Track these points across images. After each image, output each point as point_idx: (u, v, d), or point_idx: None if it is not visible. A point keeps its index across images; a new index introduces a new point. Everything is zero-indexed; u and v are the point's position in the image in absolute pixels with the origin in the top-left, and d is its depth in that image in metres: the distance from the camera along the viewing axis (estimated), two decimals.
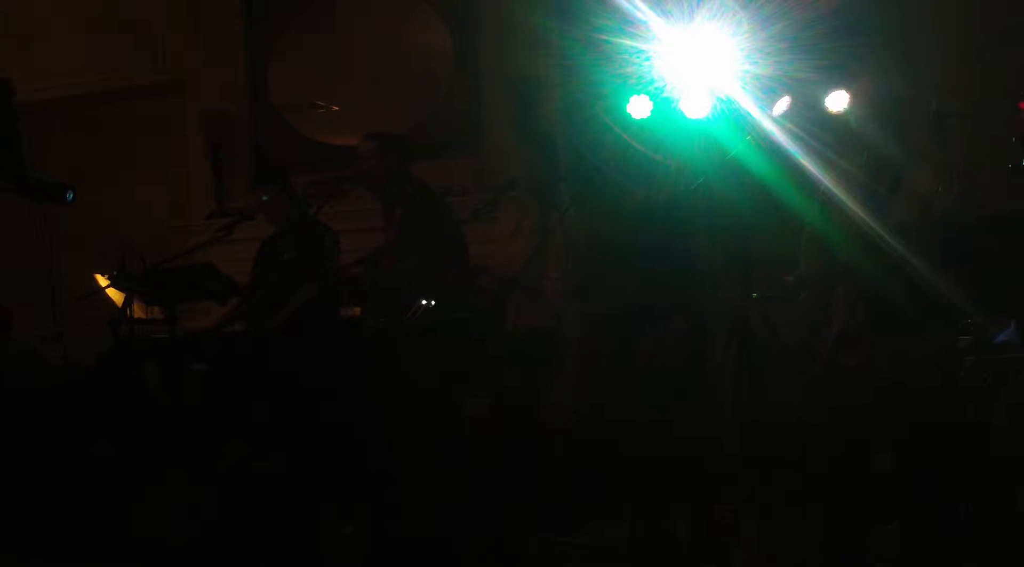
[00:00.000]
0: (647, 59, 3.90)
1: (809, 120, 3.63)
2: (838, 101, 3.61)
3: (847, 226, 3.36)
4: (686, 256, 4.00)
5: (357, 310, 4.94)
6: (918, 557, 3.32)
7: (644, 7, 3.84)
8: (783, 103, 3.80)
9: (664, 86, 3.95)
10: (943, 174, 3.37)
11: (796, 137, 3.57)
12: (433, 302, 4.23)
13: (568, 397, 4.52)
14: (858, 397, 3.34)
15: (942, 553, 3.31)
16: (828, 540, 3.42)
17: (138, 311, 4.81)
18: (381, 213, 4.89)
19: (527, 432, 4.49)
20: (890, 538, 3.48)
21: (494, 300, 4.37)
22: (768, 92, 3.77)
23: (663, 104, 3.99)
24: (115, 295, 4.87)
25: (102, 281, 4.87)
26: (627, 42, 3.89)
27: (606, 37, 3.98)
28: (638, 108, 4.07)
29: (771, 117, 3.75)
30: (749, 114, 3.78)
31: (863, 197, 3.34)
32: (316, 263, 4.76)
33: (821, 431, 3.52)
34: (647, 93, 4.02)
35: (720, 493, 3.94)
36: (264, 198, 5.02)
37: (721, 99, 3.86)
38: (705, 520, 3.89)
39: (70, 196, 4.25)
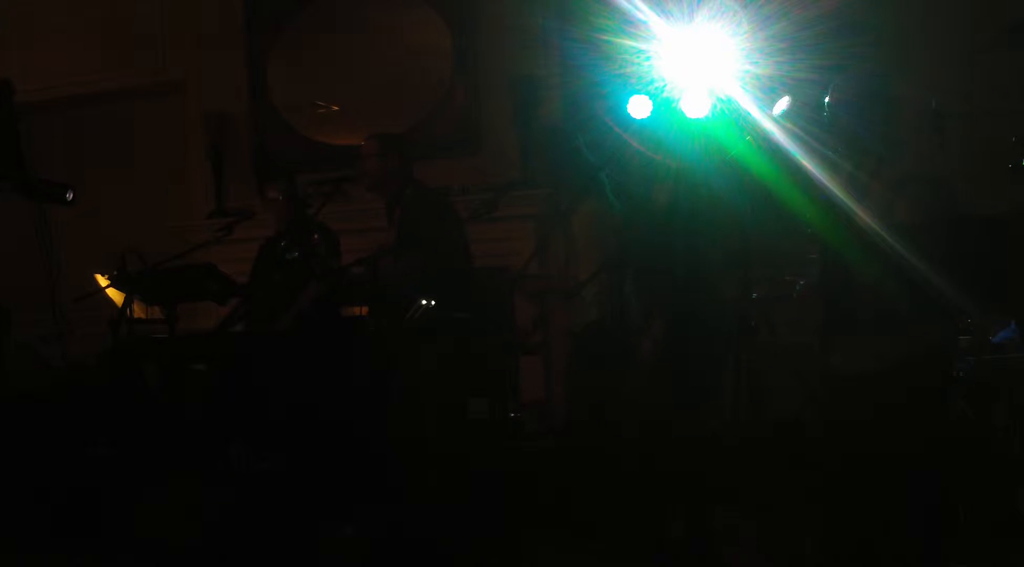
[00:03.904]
0: (647, 59, 3.90)
1: (809, 120, 3.63)
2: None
3: (827, 212, 3.32)
4: (686, 256, 3.99)
5: (358, 310, 4.95)
6: (915, 557, 3.31)
7: (644, 7, 3.84)
8: (783, 103, 3.80)
9: (664, 86, 3.95)
10: (942, 173, 3.37)
11: (796, 137, 3.57)
12: (433, 302, 4.23)
13: (570, 397, 4.52)
14: (848, 398, 3.31)
15: (939, 553, 3.31)
16: (827, 540, 3.42)
17: (138, 311, 4.80)
18: (384, 213, 4.90)
19: (526, 432, 4.49)
20: (885, 538, 3.48)
21: (495, 300, 4.37)
22: (768, 92, 3.77)
23: (663, 104, 4.00)
24: (115, 295, 4.87)
25: (102, 281, 4.86)
26: (627, 42, 3.90)
27: (606, 37, 3.98)
28: (638, 108, 4.07)
29: (771, 117, 3.74)
30: (749, 114, 3.78)
31: (845, 183, 3.30)
32: (321, 262, 4.76)
33: (817, 434, 3.51)
34: (647, 93, 4.02)
35: (720, 493, 3.94)
36: (276, 195, 5.06)
37: (721, 99, 3.86)
38: (704, 520, 3.89)
39: (70, 196, 4.25)
